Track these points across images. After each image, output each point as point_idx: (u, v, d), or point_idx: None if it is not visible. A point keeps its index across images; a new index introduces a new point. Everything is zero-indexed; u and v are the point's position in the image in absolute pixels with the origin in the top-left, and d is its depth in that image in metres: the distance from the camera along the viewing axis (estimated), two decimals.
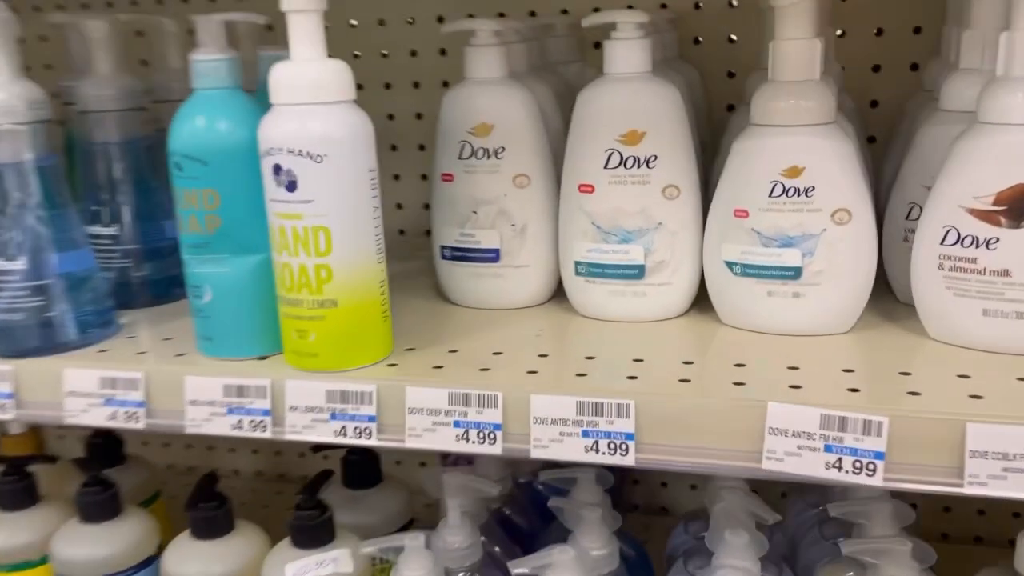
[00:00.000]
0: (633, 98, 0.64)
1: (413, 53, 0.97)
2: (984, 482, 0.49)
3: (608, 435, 0.55)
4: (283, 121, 0.57)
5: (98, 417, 0.64)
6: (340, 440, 0.60)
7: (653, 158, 0.64)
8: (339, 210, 0.57)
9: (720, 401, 0.54)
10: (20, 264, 0.65)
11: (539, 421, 0.56)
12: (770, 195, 0.61)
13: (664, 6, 0.90)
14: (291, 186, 0.57)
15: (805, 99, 0.60)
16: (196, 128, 0.60)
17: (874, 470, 0.50)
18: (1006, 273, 0.56)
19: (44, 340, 0.66)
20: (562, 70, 0.86)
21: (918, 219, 0.63)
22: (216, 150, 0.60)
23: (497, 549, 0.76)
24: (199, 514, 0.73)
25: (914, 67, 0.85)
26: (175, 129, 0.61)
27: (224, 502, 0.73)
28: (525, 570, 0.62)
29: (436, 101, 0.72)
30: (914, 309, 0.62)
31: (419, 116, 0.99)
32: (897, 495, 0.71)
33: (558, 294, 0.73)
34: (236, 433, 0.62)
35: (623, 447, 0.54)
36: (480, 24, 0.69)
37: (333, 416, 0.60)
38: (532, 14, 0.92)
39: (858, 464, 0.51)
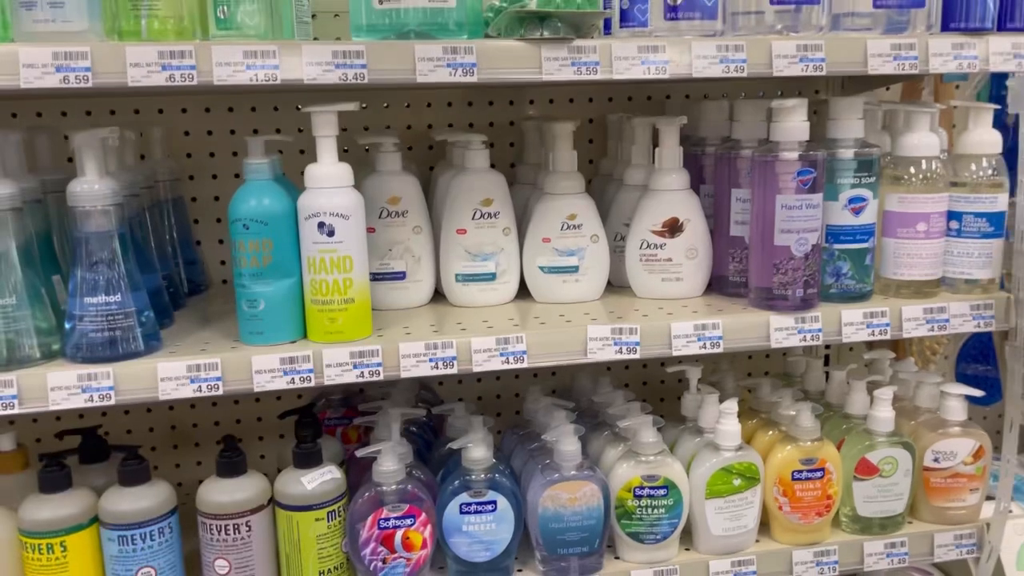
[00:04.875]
0: (485, 181, 1.17)
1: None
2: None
3: (514, 353, 1.06)
4: (323, 196, 1.00)
5: (186, 391, 0.99)
6: (360, 380, 1.02)
7: (497, 213, 1.17)
8: (357, 246, 1.01)
9: (563, 328, 1.08)
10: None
11: (478, 351, 1.05)
12: (560, 229, 1.18)
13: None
14: (331, 233, 1.00)
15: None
16: (259, 202, 1.00)
17: (635, 351, 1.08)
18: (670, 260, 1.19)
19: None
20: None
21: (623, 240, 1.25)
22: (273, 215, 1.00)
23: None
24: (223, 460, 1.08)
25: (591, 161, 1.49)
26: (241, 202, 1.00)
27: (240, 452, 1.09)
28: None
29: None
30: (617, 288, 1.24)
31: None
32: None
33: (434, 299, 1.23)
34: (290, 387, 1.01)
35: (522, 358, 1.06)
36: (388, 138, 1.17)
37: (355, 367, 1.02)
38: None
39: (626, 350, 1.08)
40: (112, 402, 0.97)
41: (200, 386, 0.99)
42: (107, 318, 0.97)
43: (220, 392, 1.00)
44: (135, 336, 0.99)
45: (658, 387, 1.59)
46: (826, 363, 1.43)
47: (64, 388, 0.96)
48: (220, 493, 1.08)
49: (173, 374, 0.98)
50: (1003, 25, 1.14)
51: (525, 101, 1.46)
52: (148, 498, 1.06)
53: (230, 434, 1.11)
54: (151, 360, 0.99)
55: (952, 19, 1.12)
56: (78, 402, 0.96)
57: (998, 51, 1.11)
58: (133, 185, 1.10)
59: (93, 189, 0.96)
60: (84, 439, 1.17)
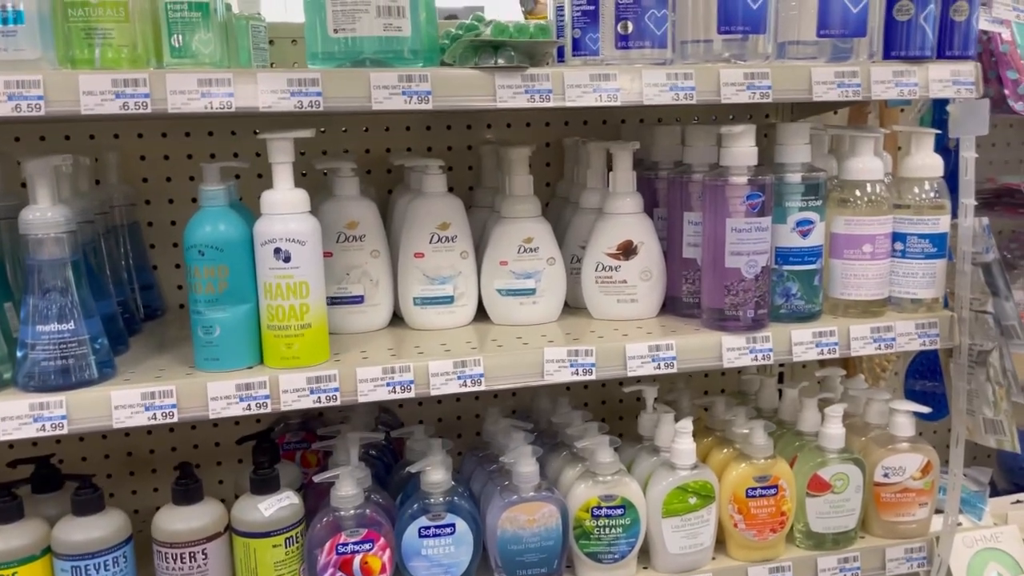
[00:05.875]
0: (443, 205, 1.18)
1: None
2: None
3: (471, 376, 1.07)
4: (279, 222, 1.00)
5: (140, 419, 0.98)
6: (317, 405, 1.03)
7: (454, 236, 1.19)
8: (313, 272, 1.02)
9: (520, 351, 1.09)
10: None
11: (435, 375, 1.06)
12: (517, 252, 1.19)
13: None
14: (287, 259, 1.00)
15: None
16: (215, 228, 1.00)
17: (591, 373, 1.10)
18: (625, 282, 1.21)
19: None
20: None
21: (579, 262, 1.27)
22: (229, 241, 1.00)
23: None
24: (179, 487, 1.07)
25: (547, 184, 1.51)
26: (197, 229, 1.00)
27: (196, 479, 1.08)
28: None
29: None
30: (574, 309, 1.25)
31: None
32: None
33: (392, 322, 1.23)
34: (246, 413, 1.01)
35: (479, 381, 1.07)
36: (345, 162, 1.18)
37: (312, 392, 1.02)
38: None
39: (582, 371, 1.10)
40: (65, 431, 0.96)
41: (155, 414, 0.99)
42: (60, 346, 0.96)
43: (175, 420, 0.99)
44: (88, 364, 0.98)
45: (616, 406, 1.61)
46: (781, 381, 1.46)
47: (15, 418, 0.95)
48: (176, 521, 1.07)
49: (127, 402, 0.98)
50: (942, 53, 1.18)
51: (483, 125, 1.47)
52: (102, 527, 1.05)
53: (186, 461, 1.10)
54: (105, 388, 0.98)
55: (893, 47, 1.16)
56: (30, 432, 0.95)
57: (937, 78, 1.16)
58: (87, 211, 1.09)
59: (45, 217, 0.95)
60: (36, 468, 1.16)
